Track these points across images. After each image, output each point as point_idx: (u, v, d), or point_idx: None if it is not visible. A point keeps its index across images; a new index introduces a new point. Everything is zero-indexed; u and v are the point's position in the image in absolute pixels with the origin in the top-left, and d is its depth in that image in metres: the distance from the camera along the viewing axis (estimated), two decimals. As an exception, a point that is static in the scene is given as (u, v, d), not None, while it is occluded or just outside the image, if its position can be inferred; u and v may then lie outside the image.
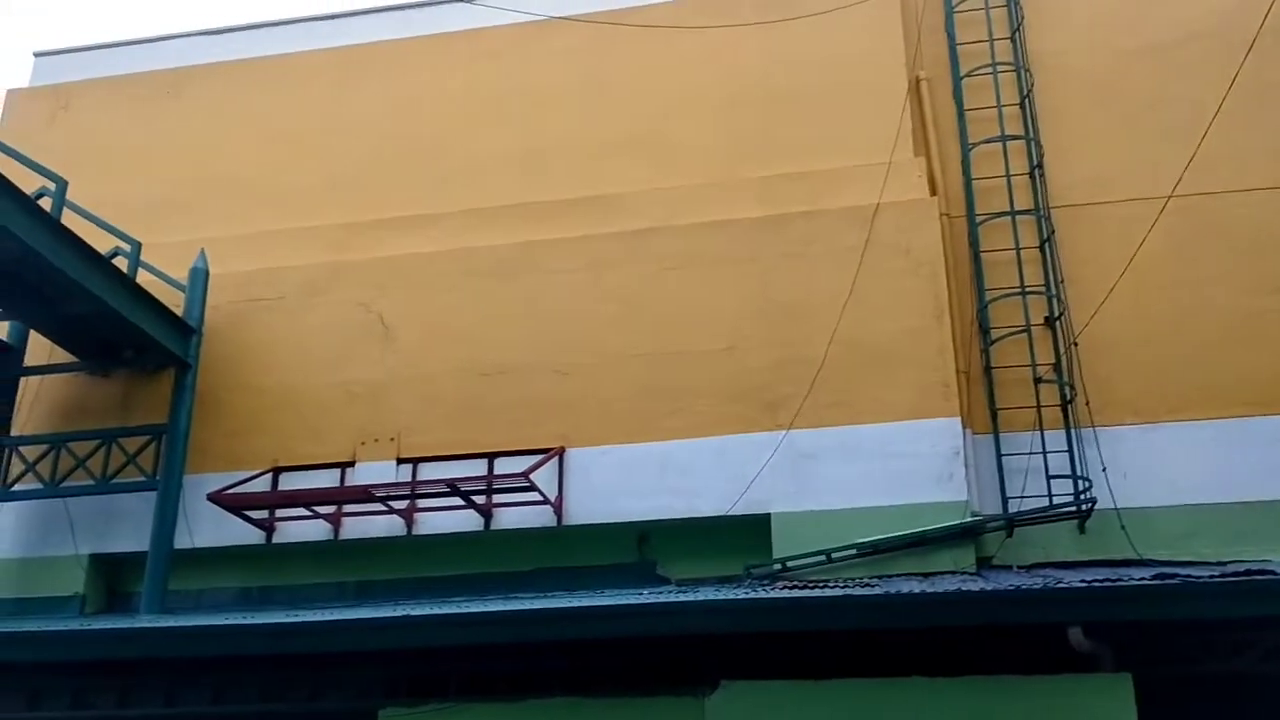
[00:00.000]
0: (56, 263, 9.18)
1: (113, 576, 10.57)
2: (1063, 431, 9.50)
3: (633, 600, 7.55)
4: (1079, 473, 9.32)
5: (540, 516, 9.71)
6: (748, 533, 9.34)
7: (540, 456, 9.64)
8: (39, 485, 10.35)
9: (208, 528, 10.09)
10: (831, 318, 9.72)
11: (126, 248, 10.32)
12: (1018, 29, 10.88)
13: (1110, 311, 9.61)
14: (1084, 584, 7.21)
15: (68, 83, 12.77)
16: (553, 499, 9.60)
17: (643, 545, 9.87)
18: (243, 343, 10.82)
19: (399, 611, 7.74)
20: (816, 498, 9.33)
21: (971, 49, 10.90)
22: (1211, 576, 7.19)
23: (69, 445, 10.45)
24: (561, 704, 7.47)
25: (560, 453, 9.81)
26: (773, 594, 7.59)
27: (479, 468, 9.89)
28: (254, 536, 10.10)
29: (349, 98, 12.02)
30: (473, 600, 8.95)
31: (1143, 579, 7.40)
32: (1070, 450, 9.43)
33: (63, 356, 10.67)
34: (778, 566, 9.13)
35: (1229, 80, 8.77)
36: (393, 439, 10.21)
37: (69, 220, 9.60)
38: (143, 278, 10.33)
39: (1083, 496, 9.21)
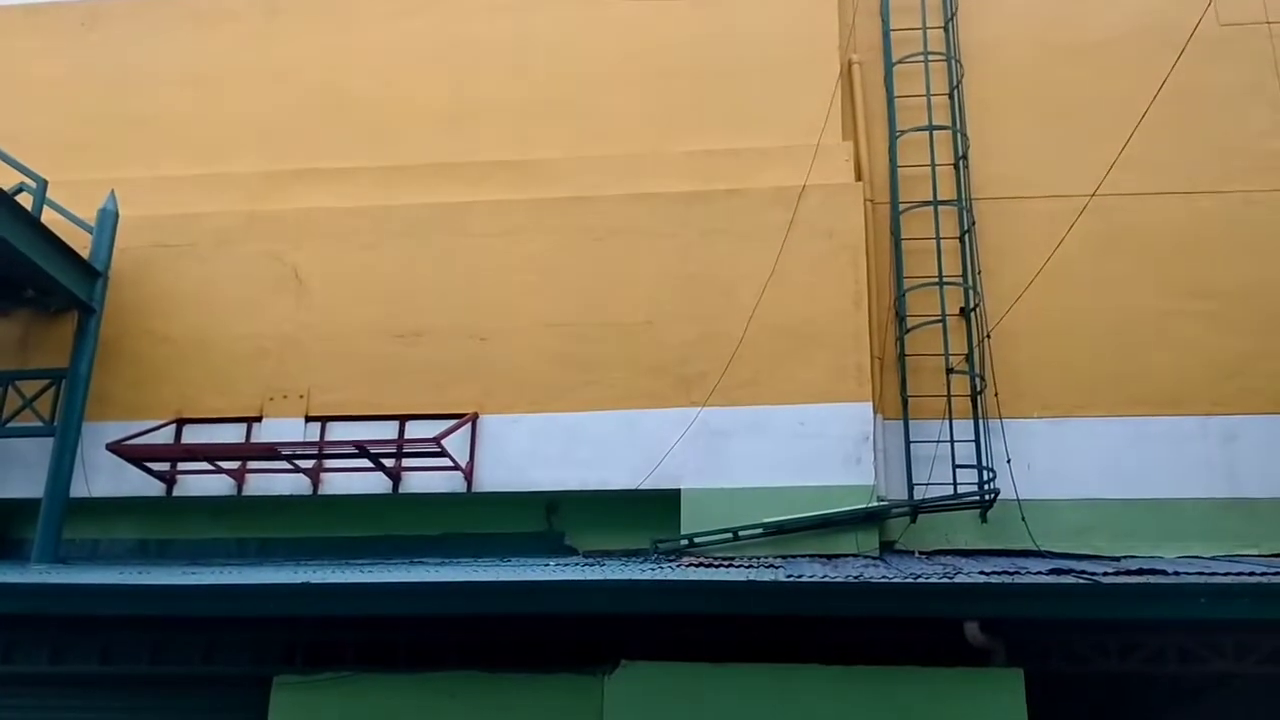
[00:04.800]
0: (-45, 198, 8.88)
1: (4, 522, 10.34)
2: (971, 422, 9.63)
3: (535, 577, 7.49)
4: (984, 463, 9.45)
5: (450, 482, 9.62)
6: (657, 507, 9.34)
7: (453, 422, 9.54)
8: (-71, 425, 10.03)
9: (106, 477, 9.85)
10: (751, 297, 9.70)
11: (32, 184, 9.96)
12: (951, 18, 10.88)
13: (1025, 306, 9.70)
14: (983, 576, 7.29)
15: (-25, 8, 12.27)
16: (463, 465, 9.51)
17: (552, 515, 9.86)
18: (151, 289, 10.51)
19: (297, 578, 7.59)
20: (727, 475, 9.36)
21: (905, 35, 10.88)
22: (1105, 573, 7.31)
23: (-37, 385, 10.13)
24: (460, 677, 7.40)
25: (473, 419, 9.71)
26: (674, 576, 7.57)
27: (389, 430, 9.74)
28: (154, 488, 9.87)
29: (273, 44, 11.65)
30: (376, 565, 8.85)
31: (1039, 573, 7.50)
32: (977, 441, 9.55)
33: (-41, 293, 10.31)
34: (684, 542, 9.16)
35: (1157, 82, 8.74)
36: (302, 396, 10.01)
37: (-30, 154, 9.25)
38: (48, 216, 9.95)
39: (986, 487, 9.35)
